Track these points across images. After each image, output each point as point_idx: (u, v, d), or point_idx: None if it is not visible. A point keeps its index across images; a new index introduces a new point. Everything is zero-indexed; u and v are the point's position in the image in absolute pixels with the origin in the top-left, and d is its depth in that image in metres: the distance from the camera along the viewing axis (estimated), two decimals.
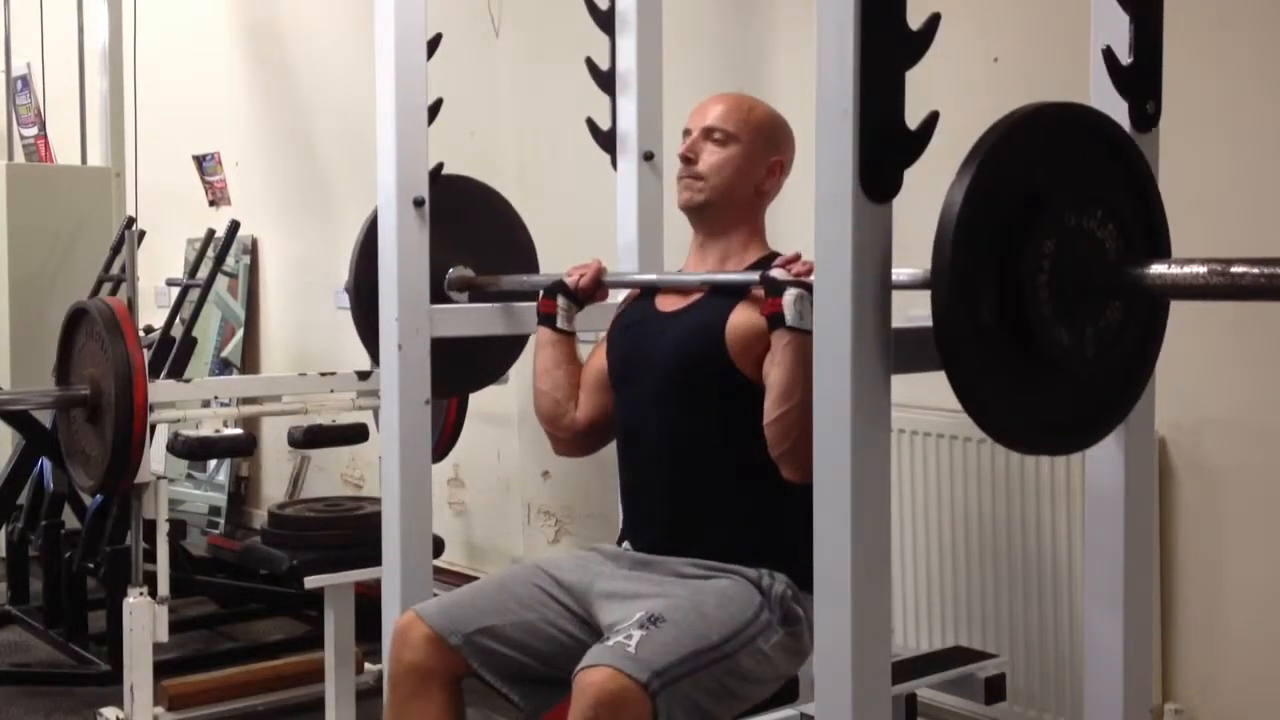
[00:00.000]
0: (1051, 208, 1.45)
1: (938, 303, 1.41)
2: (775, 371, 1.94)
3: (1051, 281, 1.44)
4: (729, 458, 2.08)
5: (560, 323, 2.34)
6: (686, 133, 2.22)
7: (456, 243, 2.67)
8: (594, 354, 2.34)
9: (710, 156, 2.17)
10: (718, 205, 2.17)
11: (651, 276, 2.48)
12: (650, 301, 2.26)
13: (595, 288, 2.37)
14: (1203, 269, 1.40)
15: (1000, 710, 2.56)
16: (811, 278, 1.76)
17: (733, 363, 2.06)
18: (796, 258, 2.01)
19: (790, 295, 1.93)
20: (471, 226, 2.74)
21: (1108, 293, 1.51)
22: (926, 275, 1.45)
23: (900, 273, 1.71)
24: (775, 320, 1.95)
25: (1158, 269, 1.47)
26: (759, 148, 2.18)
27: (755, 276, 2.03)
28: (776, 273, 1.97)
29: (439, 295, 2.62)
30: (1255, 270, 1.34)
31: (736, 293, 2.11)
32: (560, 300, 2.35)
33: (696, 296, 2.19)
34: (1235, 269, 1.36)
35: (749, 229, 2.20)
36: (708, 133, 2.18)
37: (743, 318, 2.07)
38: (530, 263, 2.85)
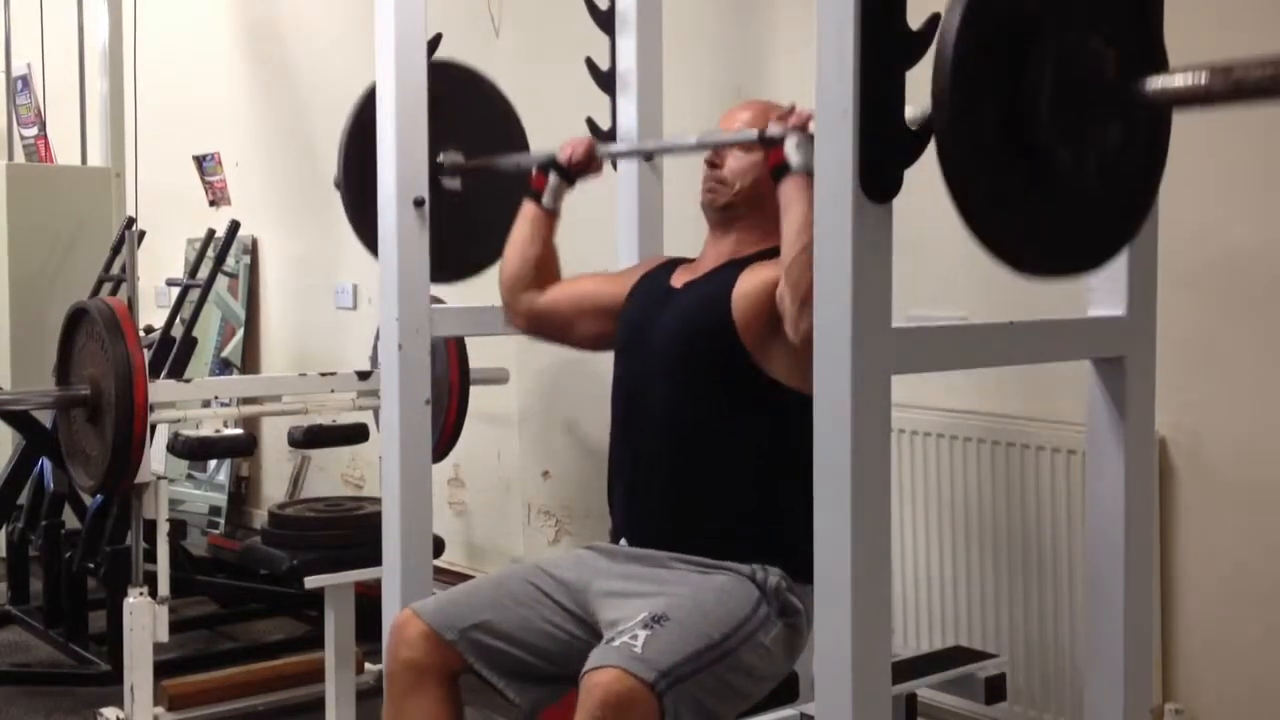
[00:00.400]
0: (1051, 27, 1.43)
1: (940, 123, 1.39)
2: (789, 215, 1.95)
3: (1053, 99, 1.43)
4: (728, 445, 2.08)
5: (546, 199, 2.39)
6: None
7: (447, 129, 2.62)
8: (607, 277, 2.37)
9: (735, 162, 2.18)
10: (739, 208, 2.19)
11: (649, 144, 2.48)
12: (668, 275, 2.27)
13: (588, 161, 2.40)
14: (1204, 75, 1.38)
15: (1000, 710, 2.56)
16: (811, 125, 1.78)
17: (738, 337, 2.05)
18: (792, 109, 2.03)
19: (791, 141, 1.96)
20: (462, 113, 2.70)
21: (1109, 109, 1.50)
22: (925, 112, 1.43)
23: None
24: (780, 171, 1.98)
25: (1159, 80, 1.46)
26: None
27: (755, 133, 2.05)
28: (773, 127, 2.00)
29: (432, 185, 2.58)
30: (1258, 71, 1.31)
31: (747, 262, 2.11)
32: (551, 177, 2.39)
33: (706, 270, 2.19)
34: (1237, 72, 1.33)
35: (768, 226, 2.19)
36: (725, 150, 2.19)
37: (750, 278, 2.07)
38: (522, 149, 2.79)
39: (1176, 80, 1.43)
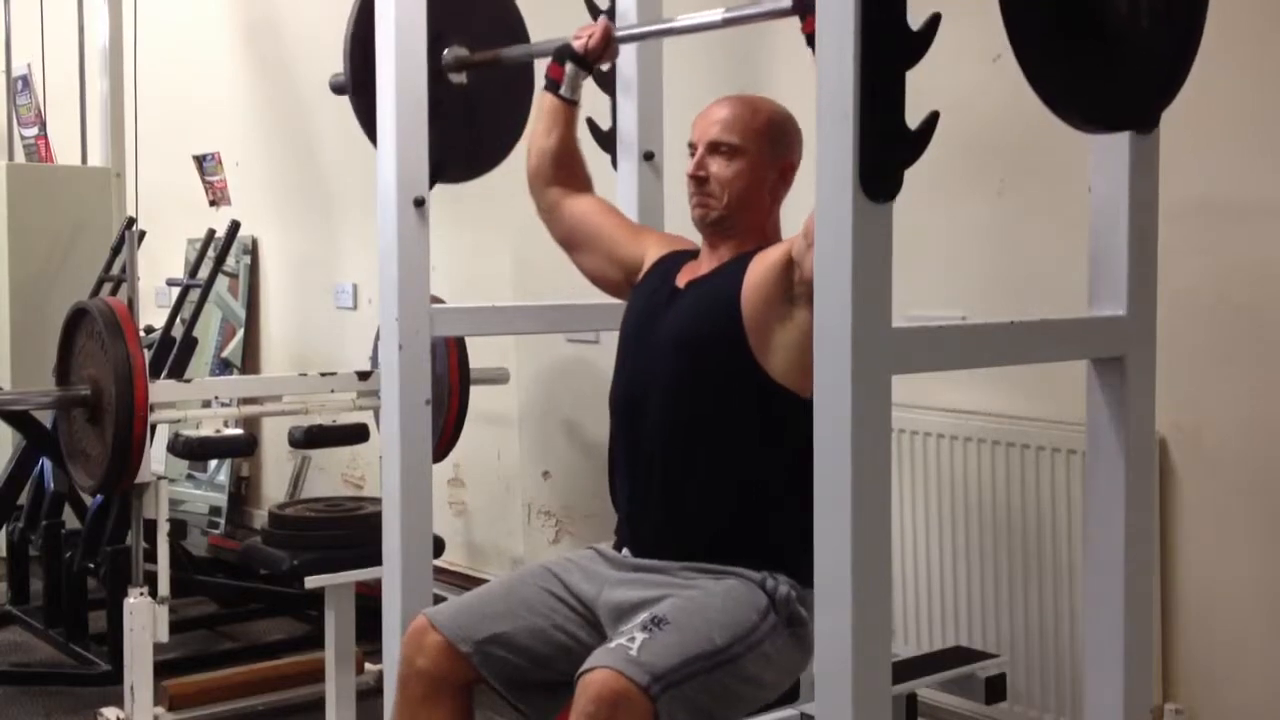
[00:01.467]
0: None
1: None
2: None
3: None
4: (729, 450, 2.06)
5: (565, 90, 2.37)
6: (691, 146, 2.17)
7: (447, 26, 2.59)
8: (626, 225, 2.40)
9: (720, 172, 2.12)
10: (733, 217, 2.14)
11: (665, 24, 2.42)
12: (674, 272, 2.22)
13: (605, 46, 2.37)
14: None
15: (1000, 710, 2.56)
16: None
17: (743, 336, 2.03)
18: None
19: None
20: (461, 6, 2.66)
21: None
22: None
23: None
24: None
25: None
26: (767, 155, 2.13)
27: (787, 2, 1.98)
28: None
29: (438, 80, 2.56)
30: None
31: (752, 255, 2.09)
32: (568, 66, 2.37)
33: (713, 265, 2.16)
34: None
35: (764, 229, 2.18)
36: (714, 147, 2.13)
37: (760, 263, 2.05)
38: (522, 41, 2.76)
39: None
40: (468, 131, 2.63)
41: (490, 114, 2.62)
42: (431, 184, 2.51)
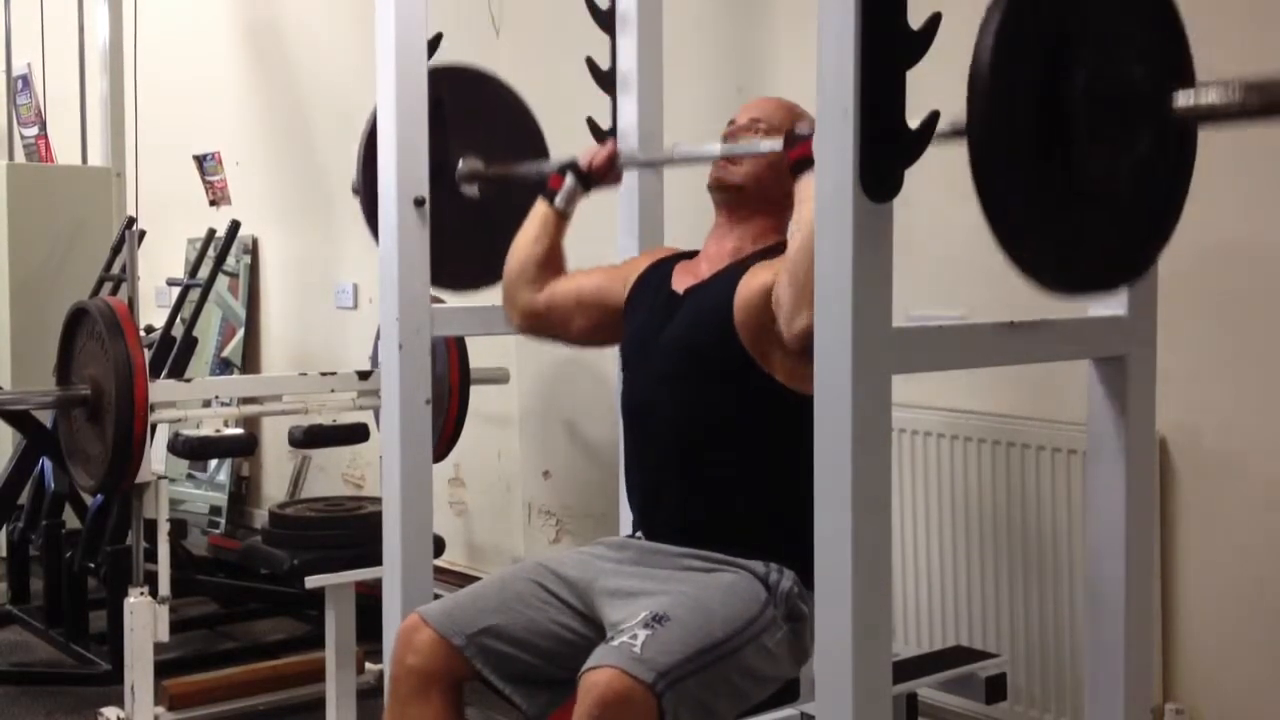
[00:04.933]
0: (1085, 38, 1.44)
1: (974, 129, 1.39)
2: (803, 209, 1.91)
3: (1088, 109, 1.43)
4: (737, 449, 2.07)
5: (559, 200, 2.38)
6: (730, 123, 2.24)
7: (465, 136, 2.64)
8: (602, 270, 2.35)
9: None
10: (747, 192, 2.17)
11: (668, 154, 2.47)
12: (668, 277, 2.24)
13: (608, 169, 2.39)
14: (1237, 91, 1.38)
15: (1001, 710, 2.56)
16: None
17: (740, 343, 2.04)
18: None
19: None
20: (479, 119, 2.70)
21: (1142, 121, 1.50)
22: (956, 124, 1.43)
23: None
24: (802, 164, 1.95)
25: (1192, 95, 1.46)
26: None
27: (779, 143, 2.03)
28: (802, 126, 1.99)
29: (451, 192, 2.59)
30: None
31: (750, 263, 2.10)
32: (569, 179, 2.38)
33: (707, 274, 2.17)
34: (1270, 88, 1.33)
35: (772, 224, 2.18)
36: (752, 123, 2.20)
37: (752, 279, 2.06)
38: (541, 155, 2.81)
39: (1209, 95, 1.43)
40: (480, 240, 2.64)
41: (502, 225, 2.65)
42: (445, 287, 2.57)
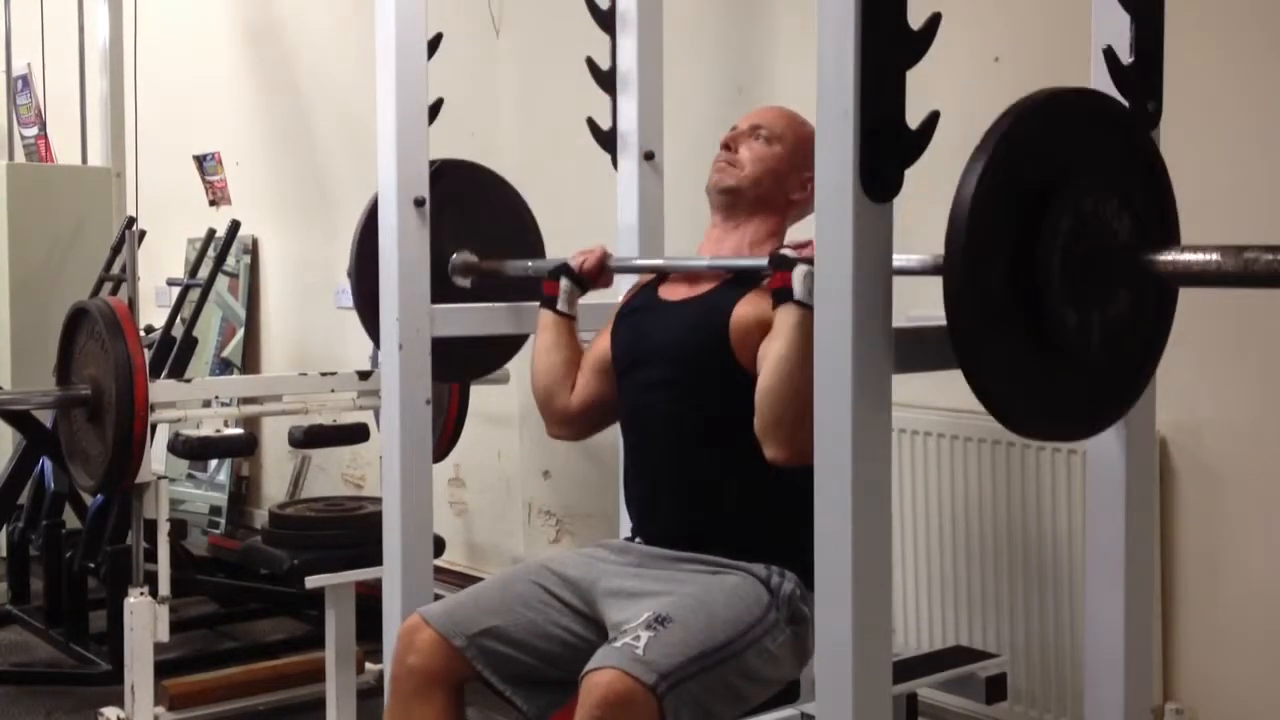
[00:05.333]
0: (1066, 191, 1.44)
1: (950, 280, 1.40)
2: (776, 344, 1.91)
3: (1064, 264, 1.44)
4: (735, 451, 2.06)
5: (561, 305, 2.36)
6: (733, 129, 2.24)
7: (461, 229, 2.66)
8: (597, 339, 2.34)
9: (753, 149, 2.18)
10: (746, 195, 2.17)
11: (658, 261, 2.48)
12: (655, 290, 2.26)
13: (600, 272, 2.38)
14: (1215, 255, 1.39)
15: (1001, 710, 2.56)
16: None
17: (734, 356, 2.05)
18: (809, 243, 2.01)
19: (800, 271, 1.91)
20: (476, 212, 2.72)
21: (1120, 278, 1.51)
22: (936, 260, 1.44)
23: (910, 258, 1.70)
24: (782, 295, 1.93)
25: (1171, 255, 1.47)
26: (799, 158, 2.17)
27: (764, 260, 2.01)
28: (786, 251, 1.97)
29: (444, 282, 2.61)
30: (1269, 256, 1.33)
31: (745, 285, 2.10)
32: (563, 283, 2.36)
33: (704, 288, 2.17)
34: (1248, 254, 1.34)
35: (770, 230, 2.19)
36: (754, 129, 2.20)
37: (748, 308, 2.06)
38: (536, 248, 2.84)
39: (1188, 256, 1.44)
40: (466, 341, 2.64)
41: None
42: (438, 378, 2.57)
